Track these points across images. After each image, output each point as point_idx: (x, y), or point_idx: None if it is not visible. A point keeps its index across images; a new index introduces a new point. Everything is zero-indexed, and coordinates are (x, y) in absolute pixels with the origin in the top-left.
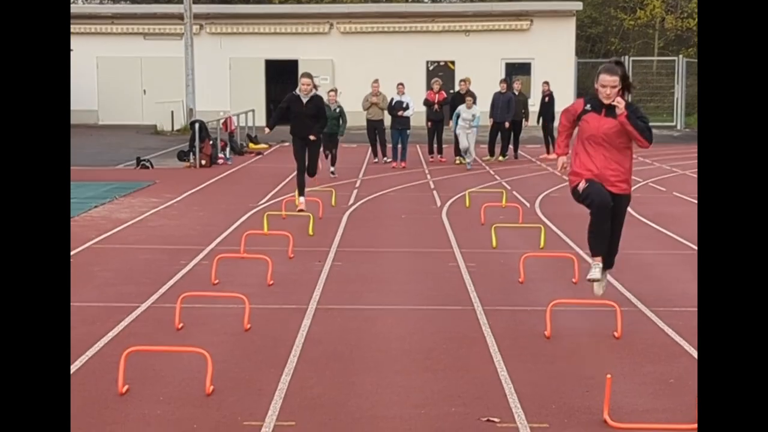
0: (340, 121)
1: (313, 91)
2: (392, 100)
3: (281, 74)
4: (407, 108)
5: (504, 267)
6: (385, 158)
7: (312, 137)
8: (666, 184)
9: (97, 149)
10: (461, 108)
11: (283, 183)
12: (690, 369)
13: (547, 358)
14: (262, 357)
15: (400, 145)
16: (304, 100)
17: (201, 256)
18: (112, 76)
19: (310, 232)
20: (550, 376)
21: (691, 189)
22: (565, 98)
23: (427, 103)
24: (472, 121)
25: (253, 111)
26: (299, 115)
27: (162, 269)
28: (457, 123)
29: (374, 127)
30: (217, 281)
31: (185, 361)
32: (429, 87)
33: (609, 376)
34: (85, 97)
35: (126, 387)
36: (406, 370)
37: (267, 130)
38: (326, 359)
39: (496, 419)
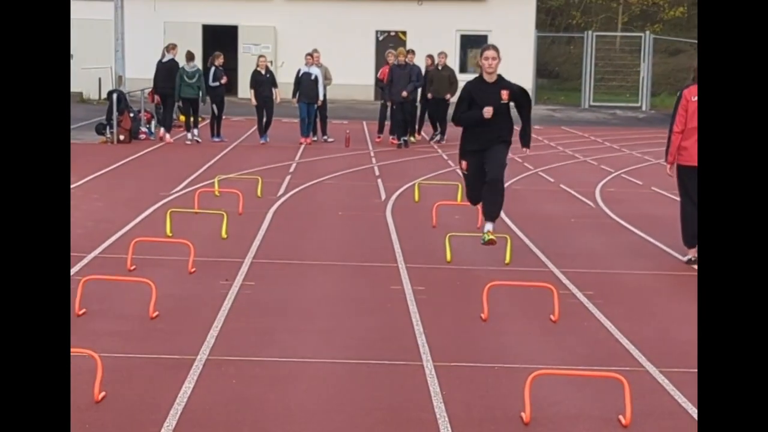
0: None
1: None
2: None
3: (220, 41)
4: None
5: (461, 293)
6: (324, 137)
7: None
8: (641, 176)
9: None
10: None
11: (207, 165)
12: None
13: None
14: None
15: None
16: None
17: (74, 270)
18: None
19: (224, 234)
20: None
21: (671, 183)
22: (523, 75)
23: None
24: None
25: None
26: None
27: None
28: None
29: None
30: (82, 311)
31: None
32: (384, 59)
33: None
34: None
35: None
36: None
37: None
38: None
39: None
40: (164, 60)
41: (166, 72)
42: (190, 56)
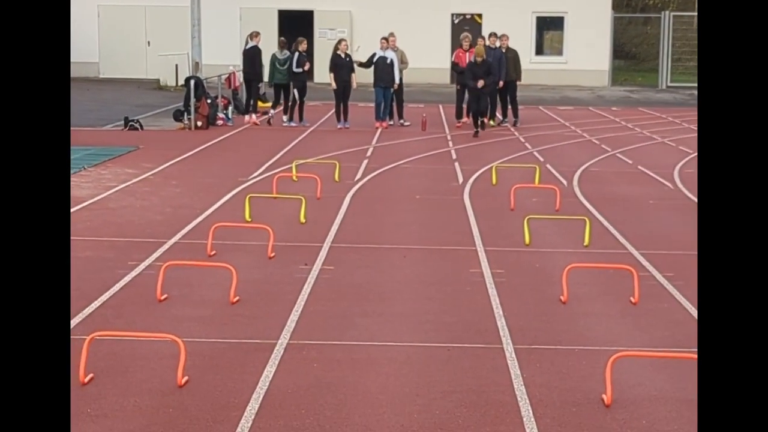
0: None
1: None
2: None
3: (296, 26)
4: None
5: (540, 275)
6: (401, 121)
7: None
8: None
9: (89, 106)
10: None
11: (284, 150)
12: None
13: None
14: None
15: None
16: None
17: (155, 256)
18: (114, 26)
19: (302, 219)
20: None
21: None
22: (600, 56)
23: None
24: None
25: (263, 66)
26: None
27: (93, 279)
28: None
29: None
30: (164, 297)
31: None
32: (459, 43)
33: None
34: (86, 48)
35: None
36: None
37: None
38: None
39: None
40: (247, 47)
41: (249, 58)
42: (282, 44)
